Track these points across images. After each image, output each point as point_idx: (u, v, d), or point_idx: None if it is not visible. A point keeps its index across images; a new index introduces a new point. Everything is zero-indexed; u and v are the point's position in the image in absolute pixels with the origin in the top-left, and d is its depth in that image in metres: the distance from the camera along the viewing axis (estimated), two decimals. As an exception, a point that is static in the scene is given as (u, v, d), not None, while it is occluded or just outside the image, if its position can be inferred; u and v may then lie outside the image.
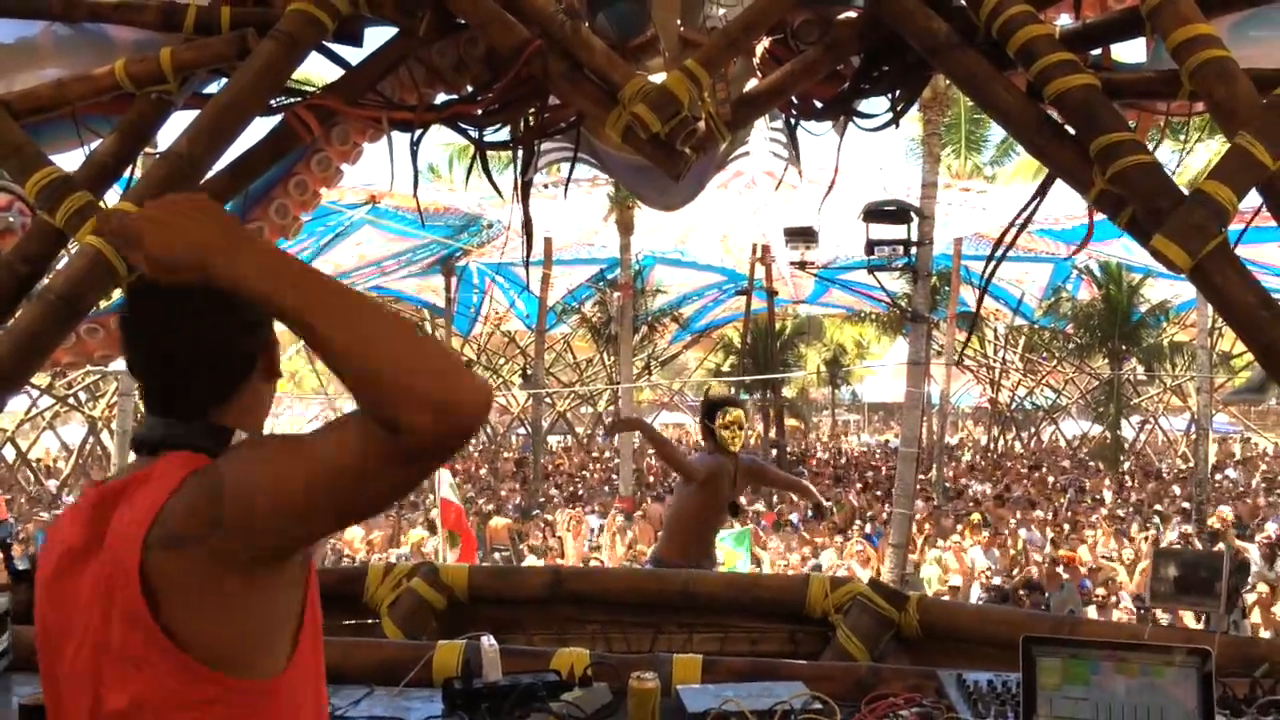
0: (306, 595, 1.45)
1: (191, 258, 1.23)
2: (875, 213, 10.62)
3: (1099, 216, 2.78)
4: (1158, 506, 16.80)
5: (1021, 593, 10.68)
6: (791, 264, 13.29)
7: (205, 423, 1.46)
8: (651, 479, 23.37)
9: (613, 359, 26.42)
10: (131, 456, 1.55)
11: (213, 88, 3.12)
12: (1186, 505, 17.25)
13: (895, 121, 3.22)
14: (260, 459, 1.33)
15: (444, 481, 9.95)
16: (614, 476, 21.34)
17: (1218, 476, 22.53)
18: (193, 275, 1.24)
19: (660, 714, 2.47)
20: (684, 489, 6.06)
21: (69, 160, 2.97)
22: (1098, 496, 19.51)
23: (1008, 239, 3.13)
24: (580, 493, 20.99)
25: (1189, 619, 7.73)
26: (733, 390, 25.43)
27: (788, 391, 28.69)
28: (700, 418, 6.31)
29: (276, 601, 1.38)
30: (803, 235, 12.62)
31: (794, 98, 3.20)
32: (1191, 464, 20.79)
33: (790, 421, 29.70)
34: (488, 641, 2.71)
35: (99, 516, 1.39)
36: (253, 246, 1.27)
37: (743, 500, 6.10)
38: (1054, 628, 3.17)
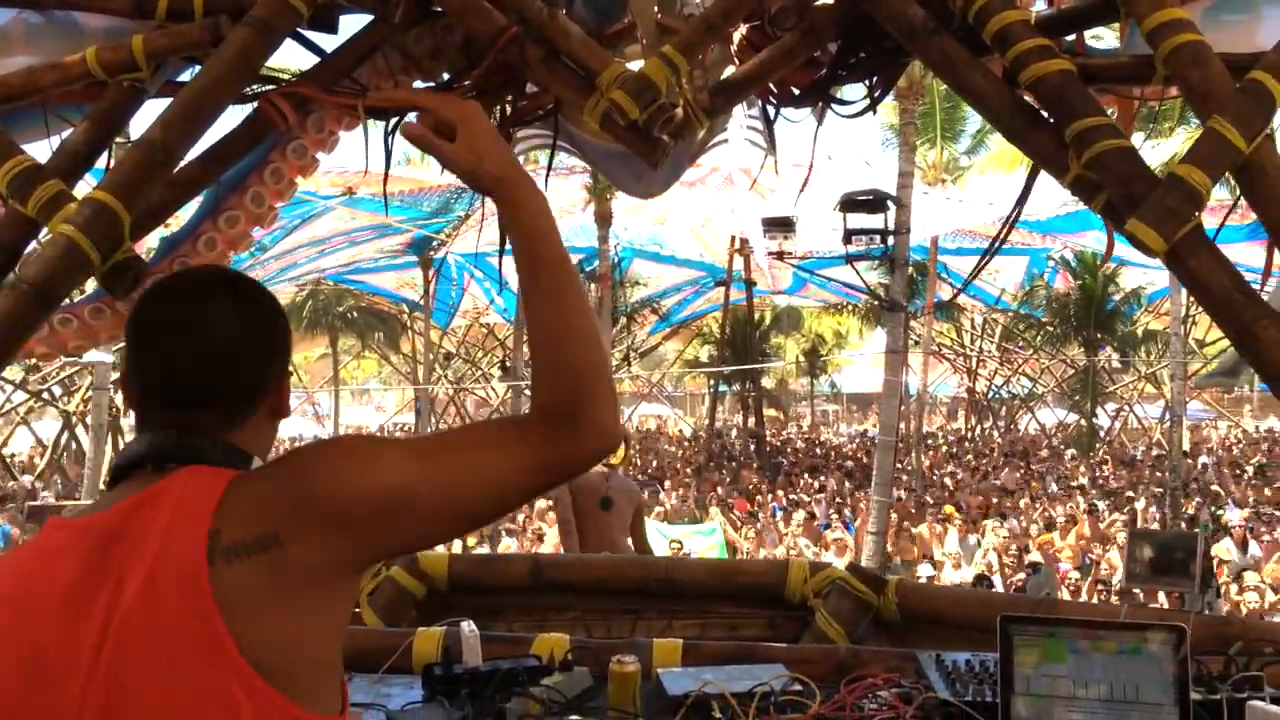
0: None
1: (496, 171, 1.32)
2: (852, 202, 10.67)
3: (1074, 208, 2.81)
4: (1130, 493, 16.96)
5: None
6: (770, 254, 13.34)
7: (224, 441, 1.31)
8: (633, 470, 23.38)
9: (592, 350, 26.36)
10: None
11: (186, 75, 3.09)
12: (1159, 490, 17.45)
13: (873, 107, 3.22)
14: (374, 461, 1.22)
15: None
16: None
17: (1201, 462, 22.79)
18: (484, 186, 1.33)
19: (641, 697, 2.48)
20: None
21: (40, 150, 2.94)
22: (1074, 483, 19.69)
23: (993, 248, 3.15)
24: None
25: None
26: (710, 380, 25.47)
27: (767, 382, 28.75)
28: None
29: (342, 622, 1.25)
30: (781, 225, 12.67)
31: (771, 84, 3.20)
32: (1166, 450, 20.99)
33: (769, 412, 29.80)
34: (468, 627, 2.71)
35: (97, 550, 1.19)
36: (533, 183, 1.35)
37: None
38: (1031, 609, 3.20)
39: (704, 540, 11.89)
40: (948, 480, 20.74)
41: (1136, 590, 7.51)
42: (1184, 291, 16.81)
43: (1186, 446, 21.02)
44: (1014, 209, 3.13)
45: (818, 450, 28.09)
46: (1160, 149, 13.55)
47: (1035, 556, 11.55)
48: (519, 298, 1.35)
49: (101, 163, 2.92)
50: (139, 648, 1.13)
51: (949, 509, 14.89)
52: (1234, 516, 13.94)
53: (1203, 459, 24.28)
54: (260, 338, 1.38)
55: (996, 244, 3.19)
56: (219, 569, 1.13)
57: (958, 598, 3.78)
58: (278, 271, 22.06)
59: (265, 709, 1.12)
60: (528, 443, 1.26)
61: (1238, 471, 21.56)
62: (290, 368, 1.45)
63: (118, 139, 3.02)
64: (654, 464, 25.17)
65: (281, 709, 1.13)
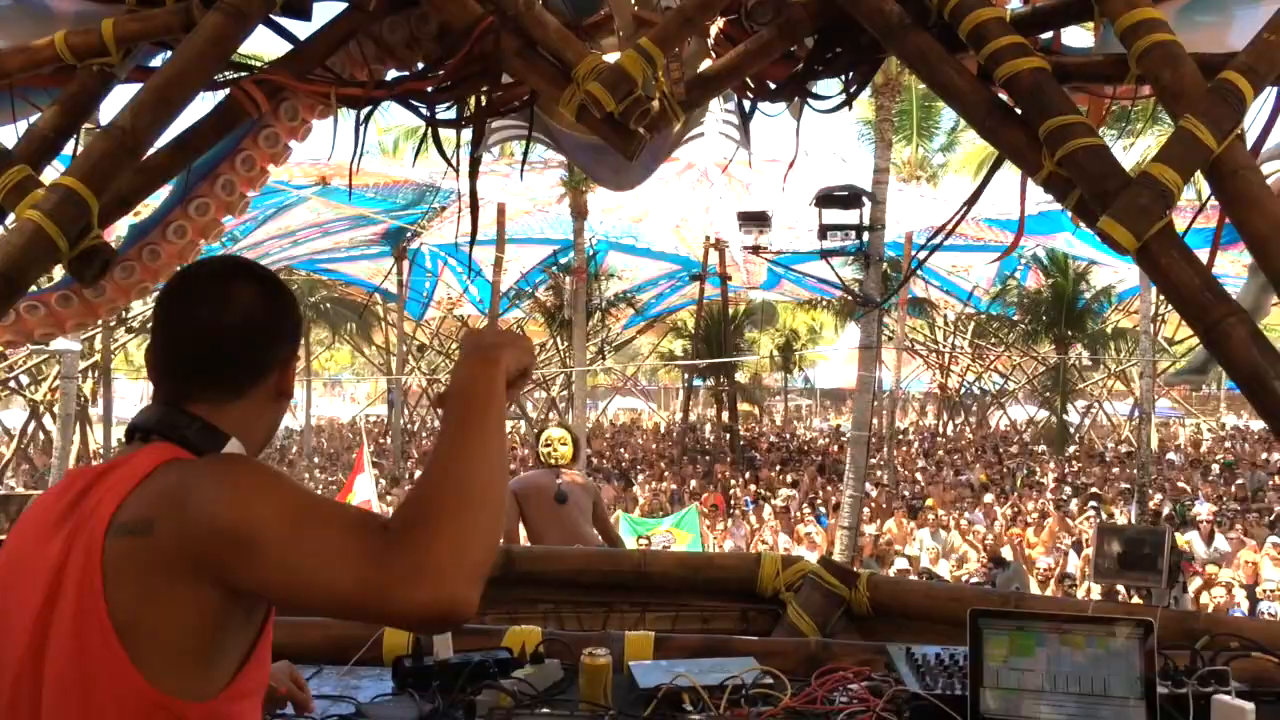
0: (264, 627, 1.39)
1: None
2: (827, 198, 10.70)
3: (1046, 208, 2.84)
4: (1095, 489, 17.14)
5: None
6: (745, 248, 13.37)
7: (201, 420, 1.43)
8: (605, 462, 23.39)
9: (566, 344, 26.38)
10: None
11: (157, 61, 3.05)
12: (1126, 486, 17.63)
13: (849, 103, 3.23)
14: (249, 502, 1.26)
15: (367, 483, 9.92)
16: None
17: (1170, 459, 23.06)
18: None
19: (612, 690, 2.48)
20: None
21: (7, 134, 2.90)
22: (1043, 479, 19.86)
23: (948, 228, 3.16)
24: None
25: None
26: (685, 374, 25.53)
27: (741, 376, 28.82)
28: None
29: (228, 620, 1.30)
30: (756, 220, 12.70)
31: (748, 79, 3.20)
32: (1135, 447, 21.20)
33: (743, 406, 29.87)
34: (439, 620, 2.69)
35: (75, 498, 1.36)
36: (482, 359, 1.40)
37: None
38: (1000, 603, 3.23)
39: (681, 527, 11.90)
40: (919, 475, 20.87)
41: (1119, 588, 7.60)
42: (1154, 290, 16.98)
43: (1155, 444, 21.26)
44: (972, 195, 3.14)
45: (790, 445, 28.19)
46: (1132, 151, 13.68)
47: (1004, 551, 11.66)
48: None
49: (69, 149, 2.89)
50: (59, 598, 1.28)
51: (931, 501, 15.01)
52: (1203, 511, 14.10)
53: (1170, 455, 24.55)
54: (269, 318, 1.51)
55: (951, 226, 3.19)
56: (110, 542, 1.27)
57: (928, 592, 3.80)
58: (250, 262, 21.85)
59: (120, 675, 1.24)
60: (365, 560, 1.19)
61: (1203, 468, 21.81)
62: (297, 351, 1.59)
63: (86, 125, 2.98)
64: (627, 457, 25.16)
65: (131, 679, 1.24)
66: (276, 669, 2.01)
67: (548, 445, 6.72)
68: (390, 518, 1.23)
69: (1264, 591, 10.03)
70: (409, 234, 20.79)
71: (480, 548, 1.22)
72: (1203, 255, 2.40)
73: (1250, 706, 2.18)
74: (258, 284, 1.52)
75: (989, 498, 16.62)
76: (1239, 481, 19.03)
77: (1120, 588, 7.62)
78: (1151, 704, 2.20)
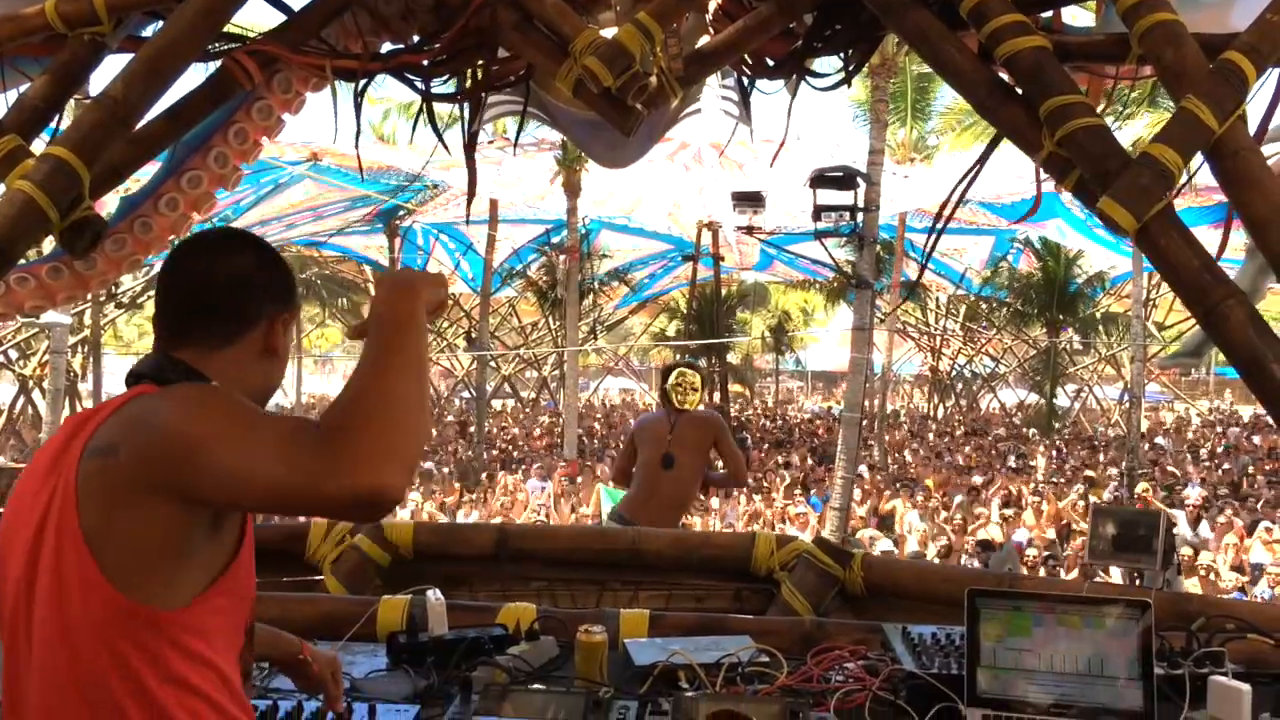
0: (240, 545, 1.50)
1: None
2: (822, 178, 10.67)
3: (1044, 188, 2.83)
4: (1089, 472, 17.19)
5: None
6: (739, 229, 13.34)
7: (186, 364, 1.53)
8: (596, 442, 23.40)
9: (558, 323, 26.32)
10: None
11: (148, 31, 3.01)
12: (1113, 471, 17.69)
13: (848, 80, 3.20)
14: (197, 415, 1.37)
15: None
16: (558, 440, 21.35)
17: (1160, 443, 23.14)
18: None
19: (607, 667, 2.48)
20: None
21: (-3, 104, 2.86)
22: (1033, 462, 19.92)
23: (946, 212, 3.13)
24: (519, 456, 21.00)
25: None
26: (677, 355, 25.54)
27: (732, 357, 28.82)
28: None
29: (191, 534, 1.40)
30: (750, 200, 12.66)
31: (746, 55, 3.18)
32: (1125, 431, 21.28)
33: (735, 387, 29.88)
34: (433, 595, 2.69)
35: (69, 437, 1.48)
36: (393, 292, 1.46)
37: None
38: (995, 584, 3.23)
39: None
40: (909, 456, 20.92)
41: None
42: (1146, 275, 17.02)
43: (1144, 428, 21.33)
44: (970, 174, 3.10)
45: (781, 426, 28.21)
46: (1124, 132, 13.64)
47: (995, 534, 11.70)
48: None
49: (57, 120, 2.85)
50: (47, 520, 1.42)
51: (930, 482, 15.04)
52: (1192, 494, 14.14)
53: (1159, 440, 24.63)
54: (255, 272, 1.59)
55: (951, 208, 3.16)
56: (83, 464, 1.40)
57: (922, 572, 3.81)
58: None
59: (93, 584, 1.36)
60: (298, 450, 1.29)
61: (1194, 453, 21.88)
62: (288, 313, 1.63)
63: (77, 95, 2.95)
64: (622, 437, 25.17)
65: (102, 588, 1.36)
66: (326, 656, 2.05)
67: (678, 384, 6.12)
68: (320, 419, 1.32)
69: (1241, 579, 10.05)
70: (402, 212, 20.70)
71: (407, 436, 1.31)
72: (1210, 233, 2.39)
73: (1246, 688, 2.18)
74: (249, 246, 1.64)
75: (978, 479, 16.66)
76: (1225, 466, 19.11)
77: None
78: (1149, 685, 2.20)
